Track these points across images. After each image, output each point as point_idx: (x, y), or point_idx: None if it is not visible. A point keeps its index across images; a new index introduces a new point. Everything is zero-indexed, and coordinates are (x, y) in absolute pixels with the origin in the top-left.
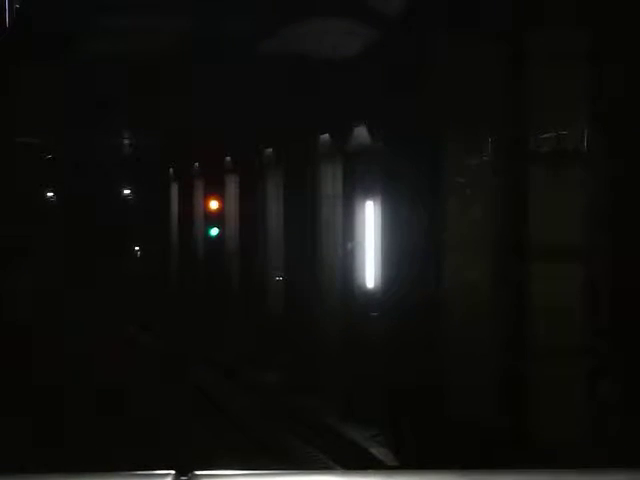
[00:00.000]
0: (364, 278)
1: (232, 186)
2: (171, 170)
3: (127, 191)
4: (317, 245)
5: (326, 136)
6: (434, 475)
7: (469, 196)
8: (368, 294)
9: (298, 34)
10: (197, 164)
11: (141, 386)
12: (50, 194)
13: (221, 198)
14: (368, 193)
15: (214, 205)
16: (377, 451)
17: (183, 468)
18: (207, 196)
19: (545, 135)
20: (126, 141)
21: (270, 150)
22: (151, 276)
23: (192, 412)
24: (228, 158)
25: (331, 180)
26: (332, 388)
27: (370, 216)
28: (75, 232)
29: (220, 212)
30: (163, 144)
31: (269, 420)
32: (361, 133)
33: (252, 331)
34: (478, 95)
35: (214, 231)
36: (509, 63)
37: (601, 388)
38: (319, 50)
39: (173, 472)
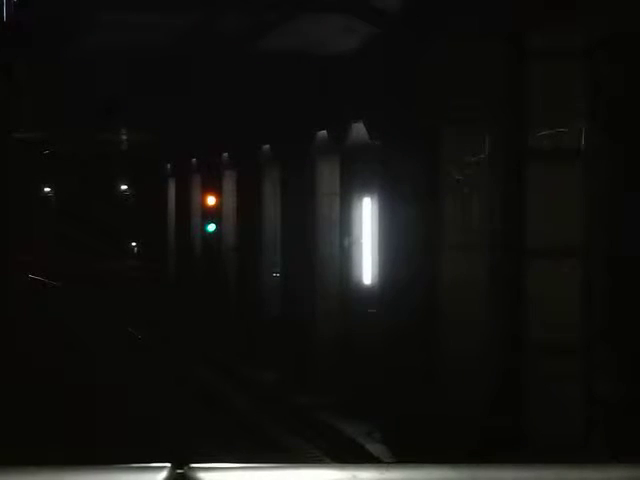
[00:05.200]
0: (362, 274)
1: (230, 182)
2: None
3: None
4: (315, 241)
5: (324, 133)
6: (430, 469)
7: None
8: (366, 290)
9: (295, 30)
10: (195, 160)
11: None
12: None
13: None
14: (365, 190)
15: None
16: (372, 447)
17: (179, 461)
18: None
19: None
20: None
21: (268, 147)
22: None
23: (194, 407)
24: (226, 154)
25: (328, 177)
26: (329, 384)
27: (367, 213)
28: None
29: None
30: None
31: (266, 416)
32: (359, 130)
33: (249, 328)
34: None
35: (211, 227)
36: None
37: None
38: (317, 47)
39: (169, 465)
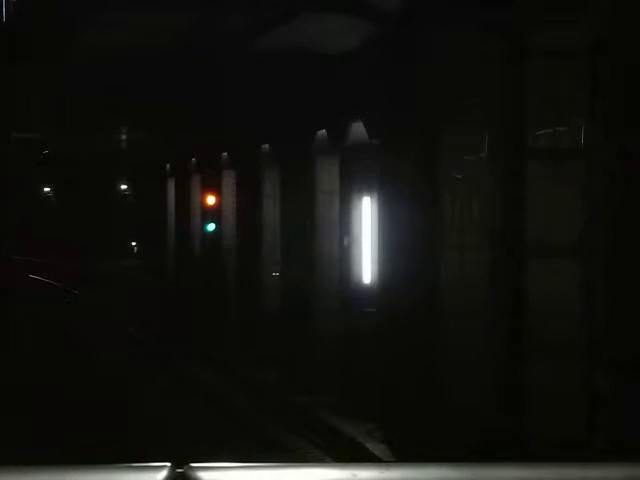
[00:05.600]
0: (361, 273)
1: (229, 182)
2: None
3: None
4: (315, 240)
5: (323, 132)
6: (429, 469)
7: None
8: (365, 289)
9: (296, 30)
10: (194, 160)
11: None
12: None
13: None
14: (365, 189)
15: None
16: (373, 447)
17: (179, 460)
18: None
19: None
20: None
21: (267, 146)
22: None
23: (193, 406)
24: (225, 154)
25: (328, 176)
26: (328, 383)
27: (367, 212)
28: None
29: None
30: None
31: (266, 415)
32: (358, 129)
33: (249, 327)
34: None
35: (211, 226)
36: None
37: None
38: (317, 46)
39: (169, 464)
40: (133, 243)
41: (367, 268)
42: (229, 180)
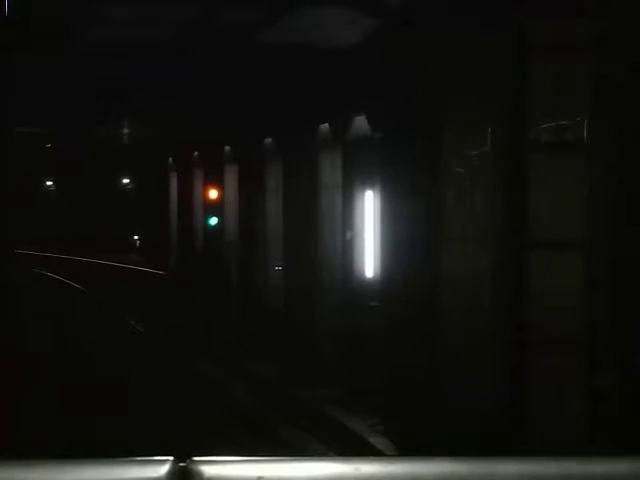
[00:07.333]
0: (364, 267)
1: (232, 176)
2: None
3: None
4: (317, 234)
5: (325, 126)
6: (432, 462)
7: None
8: (368, 284)
9: (297, 23)
10: (197, 153)
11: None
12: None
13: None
14: (367, 183)
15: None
16: (376, 441)
17: (182, 454)
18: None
19: None
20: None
21: (270, 140)
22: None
23: (196, 400)
24: (227, 147)
25: (330, 170)
26: (331, 378)
27: (369, 205)
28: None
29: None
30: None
31: (269, 409)
32: (361, 123)
33: (252, 321)
34: None
35: (213, 220)
36: None
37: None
38: (319, 39)
39: (171, 458)
40: (135, 237)
41: (370, 262)
42: (232, 174)
